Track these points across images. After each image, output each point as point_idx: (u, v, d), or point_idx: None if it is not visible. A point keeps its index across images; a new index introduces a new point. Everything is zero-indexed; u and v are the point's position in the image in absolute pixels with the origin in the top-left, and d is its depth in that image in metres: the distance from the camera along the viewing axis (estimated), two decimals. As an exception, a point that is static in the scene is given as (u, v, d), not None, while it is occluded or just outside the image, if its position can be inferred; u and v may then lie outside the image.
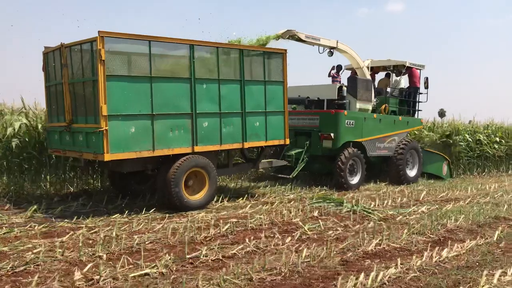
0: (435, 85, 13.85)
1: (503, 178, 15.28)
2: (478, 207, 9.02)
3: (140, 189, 9.41)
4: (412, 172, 12.58)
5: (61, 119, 8.23)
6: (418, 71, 13.15)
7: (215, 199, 8.85)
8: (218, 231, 6.67)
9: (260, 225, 7.20)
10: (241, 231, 6.81)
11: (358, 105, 11.53)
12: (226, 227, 6.86)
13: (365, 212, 8.22)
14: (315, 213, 8.07)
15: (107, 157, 7.22)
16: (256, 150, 10.30)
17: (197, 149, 8.31)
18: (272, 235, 6.56)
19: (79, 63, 7.62)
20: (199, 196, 8.40)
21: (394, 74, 13.26)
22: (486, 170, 16.79)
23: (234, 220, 7.36)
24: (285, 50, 9.69)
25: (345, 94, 11.56)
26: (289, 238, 6.38)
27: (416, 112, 13.50)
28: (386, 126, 12.02)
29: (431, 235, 6.80)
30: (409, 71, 13.01)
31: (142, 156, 7.69)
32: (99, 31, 7.03)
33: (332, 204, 8.76)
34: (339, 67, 12.72)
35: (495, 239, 6.71)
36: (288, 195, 9.99)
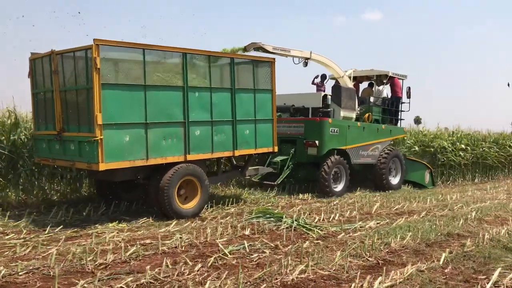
0: (413, 92, 13.94)
1: (467, 188, 14.73)
2: (431, 222, 8.12)
3: (127, 198, 9.29)
4: (395, 180, 12.89)
5: (50, 127, 8.05)
6: (401, 81, 13.50)
7: (141, 217, 8.07)
8: (119, 257, 5.65)
9: (176, 247, 6.18)
10: (149, 256, 5.79)
11: (342, 113, 11.75)
12: (132, 250, 5.84)
13: (303, 229, 7.39)
14: (247, 231, 7.12)
15: (102, 166, 7.11)
16: (242, 157, 10.34)
17: (190, 157, 8.29)
18: (182, 261, 5.54)
19: (72, 71, 7.48)
20: (191, 205, 8.38)
21: (376, 84, 13.56)
22: (450, 179, 16.61)
23: (149, 241, 6.41)
24: (274, 59, 9.82)
25: (329, 102, 11.78)
26: (201, 264, 5.41)
27: (399, 121, 13.85)
28: (369, 134, 12.30)
29: (369, 258, 5.87)
30: (391, 80, 13.35)
31: (136, 165, 7.62)
32: (94, 39, 6.94)
33: (272, 219, 7.93)
34: (323, 76, 12.93)
35: (441, 262, 5.77)
36: (229, 208, 9.11)
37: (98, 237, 6.68)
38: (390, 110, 13.58)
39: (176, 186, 8.04)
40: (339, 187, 11.35)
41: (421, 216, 8.84)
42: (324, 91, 12.72)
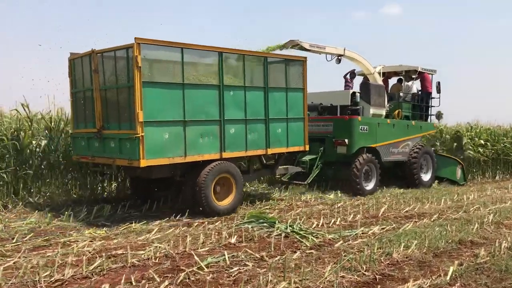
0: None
1: (486, 186, 13.70)
2: (442, 227, 7.27)
3: (162, 196, 9.42)
4: (426, 176, 12.80)
5: (90, 125, 8.23)
6: (430, 76, 13.42)
7: (123, 222, 7.59)
8: (80, 271, 4.99)
9: (148, 259, 5.47)
10: (115, 270, 5.12)
11: (372, 110, 11.74)
12: (97, 263, 5.20)
13: (297, 237, 6.65)
14: (233, 239, 6.42)
15: (143, 163, 7.25)
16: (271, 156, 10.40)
17: (225, 155, 8.39)
18: (149, 277, 4.86)
19: (112, 69, 7.64)
20: (226, 202, 8.48)
21: (405, 80, 13.49)
22: (469, 177, 15.53)
23: (121, 251, 5.74)
24: (305, 57, 9.87)
25: (358, 100, 11.77)
26: (168, 281, 4.72)
27: (429, 116, 13.76)
28: (399, 131, 12.25)
29: (365, 272, 5.11)
30: (421, 76, 13.26)
31: (174, 162, 7.75)
32: (135, 38, 7.09)
33: (265, 224, 7.26)
34: (352, 73, 12.93)
35: (448, 277, 4.98)
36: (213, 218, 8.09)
37: (67, 246, 6.05)
38: (420, 106, 13.47)
39: (212, 183, 8.15)
40: (370, 186, 11.32)
41: (432, 220, 8.08)
42: (352, 88, 12.72)
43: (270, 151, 9.25)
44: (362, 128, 11.34)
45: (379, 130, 11.67)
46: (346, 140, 11.15)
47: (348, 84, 12.82)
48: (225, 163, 8.39)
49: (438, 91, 13.36)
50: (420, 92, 13.45)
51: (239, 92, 8.59)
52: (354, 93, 11.94)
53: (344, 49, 11.79)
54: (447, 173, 13.84)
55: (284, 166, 10.47)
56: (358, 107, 11.68)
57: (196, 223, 7.56)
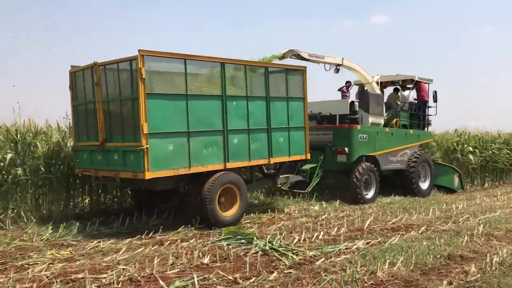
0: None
1: (475, 194, 13.36)
2: (430, 241, 6.85)
3: (165, 207, 9.36)
4: (424, 185, 12.88)
5: (92, 138, 8.17)
6: (427, 85, 13.57)
7: (92, 240, 7.14)
8: None
9: (109, 284, 4.99)
10: None
11: (371, 119, 11.82)
12: None
13: (277, 254, 6.12)
14: (207, 259, 5.89)
15: (148, 175, 7.21)
16: (272, 165, 10.41)
17: (229, 165, 8.37)
18: None
19: (116, 82, 7.62)
20: (231, 213, 8.45)
21: (402, 89, 13.63)
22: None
23: (81, 275, 5.22)
24: (305, 67, 9.92)
25: (357, 109, 11.84)
26: None
27: (426, 125, 13.88)
28: (398, 139, 12.33)
29: None
30: (417, 85, 13.41)
31: (179, 174, 7.71)
32: (139, 50, 7.08)
33: (243, 241, 6.77)
34: (348, 83, 13.03)
35: None
36: (189, 231, 7.78)
37: (23, 270, 5.54)
38: (417, 114, 13.61)
39: (217, 194, 8.11)
40: (370, 194, 11.36)
41: (419, 232, 7.67)
42: (349, 97, 12.81)
43: (272, 160, 9.25)
44: (362, 137, 11.40)
45: (378, 139, 11.74)
46: (346, 149, 11.21)
47: (345, 94, 12.91)
48: (229, 173, 8.37)
49: (435, 100, 13.54)
50: (417, 101, 13.59)
51: (242, 102, 8.59)
52: (352, 102, 12.02)
53: (343, 59, 11.91)
54: (445, 181, 13.96)
55: (285, 175, 10.46)
56: (357, 116, 11.75)
57: (169, 241, 6.98)
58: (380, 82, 13.38)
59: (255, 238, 6.83)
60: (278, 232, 7.60)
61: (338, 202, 10.93)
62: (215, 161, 8.18)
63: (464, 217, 9.06)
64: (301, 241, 7.03)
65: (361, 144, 11.38)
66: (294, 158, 9.76)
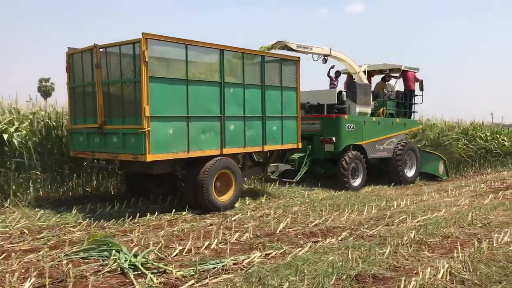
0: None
1: (424, 189, 11.94)
2: (341, 255, 5.50)
3: (158, 192, 9.43)
4: (410, 172, 13.24)
5: (90, 121, 8.16)
6: (413, 73, 13.90)
7: None
8: None
9: None
10: None
11: (358, 109, 12.11)
12: None
13: (134, 274, 4.77)
14: (28, 284, 4.36)
15: (149, 157, 7.29)
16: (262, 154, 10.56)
17: (225, 151, 8.51)
18: None
19: (117, 64, 7.62)
20: (226, 197, 8.60)
21: (388, 78, 13.90)
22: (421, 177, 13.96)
23: None
24: (299, 57, 10.11)
25: (344, 98, 12.11)
26: None
27: (412, 114, 14.23)
28: (384, 128, 12.65)
29: None
30: (404, 74, 13.71)
31: (178, 158, 7.81)
32: (143, 33, 7.13)
33: (106, 253, 5.33)
34: (337, 73, 13.26)
35: None
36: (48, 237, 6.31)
37: None
38: (404, 103, 13.91)
39: (213, 179, 8.25)
40: (357, 182, 11.66)
41: (339, 239, 6.37)
42: (337, 86, 13.07)
43: (266, 148, 9.43)
44: (349, 126, 11.68)
45: (365, 128, 12.04)
46: (334, 138, 11.47)
47: (333, 83, 13.15)
48: (225, 159, 8.51)
49: (421, 88, 13.88)
50: (403, 90, 13.92)
51: (239, 89, 8.72)
52: (340, 92, 12.27)
53: (330, 49, 12.12)
54: (430, 168, 14.27)
55: (275, 164, 10.65)
56: (344, 105, 12.02)
57: (20, 252, 5.56)
58: (368, 71, 13.66)
59: (121, 251, 5.33)
60: (163, 239, 6.15)
61: (264, 198, 9.81)
62: (213, 147, 8.31)
63: (400, 218, 7.82)
64: (183, 253, 5.60)
65: (349, 134, 11.66)
66: (287, 146, 9.97)
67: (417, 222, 7.62)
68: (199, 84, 8.01)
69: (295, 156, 11.72)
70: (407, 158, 13.15)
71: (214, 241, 6.11)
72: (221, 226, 7.13)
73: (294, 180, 11.44)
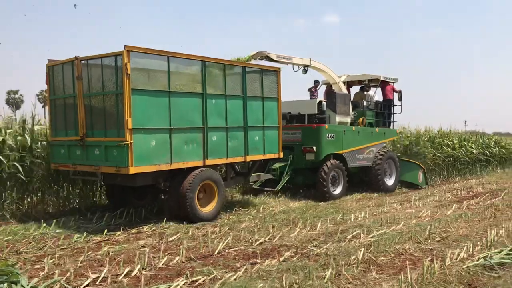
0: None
1: (388, 200, 11.51)
2: (271, 281, 5.01)
3: (139, 204, 9.38)
4: (390, 181, 13.44)
5: (71, 133, 8.11)
6: (392, 84, 14.20)
7: None
8: None
9: None
10: None
11: (338, 118, 12.28)
12: None
13: None
14: None
15: (132, 170, 7.27)
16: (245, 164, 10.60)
17: (208, 162, 8.54)
18: None
19: (99, 77, 7.60)
20: (209, 208, 8.62)
21: (367, 88, 14.14)
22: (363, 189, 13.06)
23: None
24: (279, 68, 10.23)
25: (324, 108, 12.27)
26: None
27: (392, 123, 14.50)
28: (364, 138, 12.85)
29: None
30: (382, 84, 13.97)
31: (161, 169, 7.80)
32: (125, 46, 7.14)
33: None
34: (316, 82, 13.44)
35: None
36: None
37: None
38: (383, 113, 14.16)
39: (197, 190, 8.26)
40: (337, 191, 11.80)
41: (282, 260, 5.84)
42: (317, 96, 13.24)
43: (249, 158, 9.49)
44: (329, 136, 11.84)
45: (345, 137, 12.22)
46: (314, 148, 11.60)
47: (313, 94, 13.32)
48: (208, 170, 8.54)
49: (400, 98, 14.17)
50: (382, 100, 14.17)
51: (221, 100, 8.78)
52: (320, 102, 12.44)
53: (310, 60, 12.29)
54: (410, 177, 14.49)
55: (257, 174, 10.72)
56: (324, 115, 12.18)
57: None
58: (347, 81, 13.89)
59: (19, 282, 4.63)
60: (81, 265, 5.58)
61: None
62: (195, 158, 8.33)
63: (355, 233, 7.35)
64: (97, 282, 5.01)
65: (329, 143, 11.82)
66: (269, 156, 10.05)
67: (371, 237, 7.13)
68: (181, 95, 8.04)
69: (277, 165, 11.81)
70: (386, 167, 13.35)
71: (137, 266, 5.41)
72: (156, 248, 6.39)
73: (276, 189, 11.51)
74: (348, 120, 12.65)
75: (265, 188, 11.76)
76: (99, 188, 10.05)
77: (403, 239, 7.03)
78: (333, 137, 11.91)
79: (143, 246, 6.57)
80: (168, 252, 6.25)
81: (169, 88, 7.80)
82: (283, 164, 11.83)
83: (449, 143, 18.26)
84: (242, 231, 7.55)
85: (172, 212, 8.39)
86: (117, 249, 6.35)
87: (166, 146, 7.80)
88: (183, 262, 5.80)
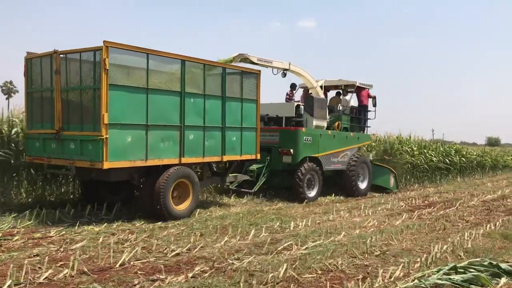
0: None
1: (338, 207, 10.98)
2: None
3: (113, 200, 9.37)
4: (363, 185, 13.67)
5: (47, 126, 8.09)
6: (367, 90, 14.46)
7: None
8: None
9: None
10: None
11: (315, 122, 12.47)
12: None
13: None
14: None
15: (106, 165, 7.30)
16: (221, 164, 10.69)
17: (184, 160, 8.61)
18: None
19: (77, 71, 7.62)
20: (183, 206, 8.68)
21: (343, 93, 14.37)
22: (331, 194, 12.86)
23: None
24: (259, 71, 10.37)
25: (302, 112, 12.46)
26: None
27: (366, 128, 14.77)
28: (339, 142, 13.08)
29: None
30: (358, 90, 14.22)
31: (135, 166, 7.84)
32: (104, 41, 7.18)
33: None
34: (293, 86, 13.63)
35: None
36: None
37: None
38: (358, 118, 14.42)
39: (171, 188, 8.31)
40: (312, 193, 11.98)
41: (189, 277, 5.06)
42: (293, 99, 13.43)
43: (225, 158, 9.58)
44: (306, 139, 12.01)
45: (321, 141, 12.41)
46: (292, 150, 11.75)
47: (289, 97, 13.52)
48: (183, 168, 8.60)
49: (374, 104, 14.47)
50: (358, 106, 14.43)
51: (199, 99, 8.86)
52: (298, 105, 12.61)
53: (289, 64, 12.45)
54: (382, 181, 14.78)
55: (234, 174, 10.79)
56: (302, 119, 12.36)
57: None
58: (324, 86, 14.11)
59: None
60: None
61: (142, 221, 7.93)
62: (171, 155, 8.39)
63: (286, 244, 6.64)
64: None
65: (306, 146, 11.98)
66: (245, 157, 10.16)
67: (305, 249, 6.45)
68: (160, 93, 8.10)
69: (254, 167, 11.93)
70: (360, 171, 13.59)
71: (7, 282, 4.50)
72: (52, 257, 5.58)
73: (252, 191, 11.61)
74: (325, 124, 12.86)
75: (242, 189, 11.85)
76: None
77: (338, 252, 6.36)
78: (310, 140, 12.08)
79: (37, 255, 5.66)
80: (62, 263, 5.35)
81: (148, 85, 7.85)
82: (260, 165, 11.95)
83: (408, 149, 18.10)
84: (161, 240, 6.66)
85: (146, 209, 8.43)
86: (4, 258, 5.49)
87: (142, 142, 7.84)
88: (72, 277, 4.92)
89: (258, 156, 10.45)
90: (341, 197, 12.80)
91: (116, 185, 9.10)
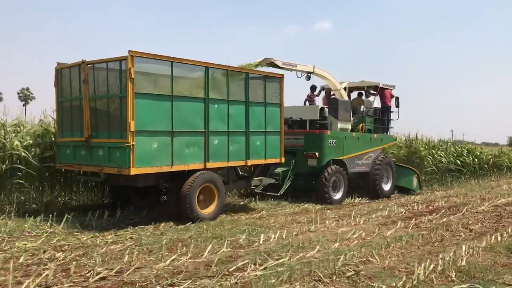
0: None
1: (329, 215, 9.85)
2: None
3: (142, 204, 9.61)
4: (387, 186, 13.56)
5: (76, 134, 8.37)
6: (390, 90, 14.35)
7: None
8: None
9: None
10: None
11: (339, 125, 12.44)
12: None
13: None
14: None
15: (133, 171, 7.50)
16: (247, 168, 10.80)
17: (209, 165, 8.75)
18: None
19: (104, 80, 7.86)
20: (209, 210, 8.82)
21: (366, 95, 14.28)
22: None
23: None
24: (282, 75, 10.42)
25: (326, 114, 12.44)
26: None
27: (389, 129, 14.65)
28: (363, 143, 13.00)
29: None
30: (381, 91, 14.11)
31: (162, 171, 8.02)
32: (129, 51, 7.38)
33: None
34: (313, 87, 13.64)
35: None
36: None
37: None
38: (381, 119, 14.32)
39: (197, 192, 8.47)
40: (338, 196, 11.95)
41: None
42: (315, 102, 13.44)
43: (249, 162, 9.68)
44: (331, 142, 11.99)
45: (345, 143, 12.37)
46: (317, 153, 11.76)
47: (312, 99, 13.53)
48: (208, 172, 8.74)
49: (397, 105, 14.32)
50: (380, 106, 14.32)
51: (223, 105, 8.99)
52: (322, 108, 12.61)
53: (314, 67, 12.49)
54: (405, 182, 14.64)
55: (259, 178, 10.88)
56: (326, 121, 12.34)
57: None
58: (347, 88, 14.07)
59: None
60: None
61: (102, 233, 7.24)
62: (196, 161, 8.54)
63: (241, 263, 5.56)
64: None
65: (331, 149, 11.97)
66: (270, 161, 10.23)
67: (263, 269, 5.40)
68: (184, 100, 8.27)
69: (279, 170, 11.97)
70: (384, 173, 13.48)
71: None
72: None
73: (278, 194, 11.67)
74: (349, 126, 12.81)
75: (268, 193, 11.92)
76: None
77: (299, 274, 5.22)
78: (334, 143, 12.06)
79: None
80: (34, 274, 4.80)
81: (172, 92, 8.03)
82: (285, 169, 11.99)
83: (413, 150, 16.85)
84: (94, 258, 5.67)
85: (172, 213, 8.61)
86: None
87: (167, 148, 8.02)
88: None
89: (283, 160, 10.51)
90: (364, 199, 12.67)
91: (144, 190, 9.31)
